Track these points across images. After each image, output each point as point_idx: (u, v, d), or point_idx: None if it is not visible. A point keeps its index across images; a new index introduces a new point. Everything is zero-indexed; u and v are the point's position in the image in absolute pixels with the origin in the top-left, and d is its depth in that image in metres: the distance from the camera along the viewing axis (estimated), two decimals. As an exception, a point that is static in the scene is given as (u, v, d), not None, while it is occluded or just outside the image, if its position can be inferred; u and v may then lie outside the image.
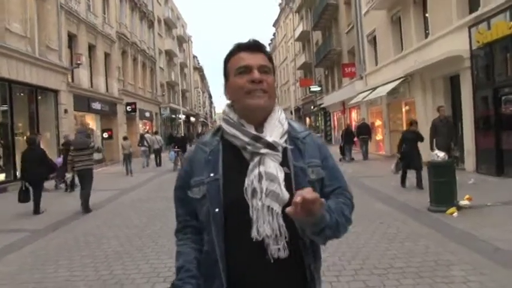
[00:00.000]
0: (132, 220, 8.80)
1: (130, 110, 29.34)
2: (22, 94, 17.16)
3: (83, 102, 22.05)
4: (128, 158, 18.79)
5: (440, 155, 8.19)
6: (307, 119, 50.22)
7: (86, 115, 23.70)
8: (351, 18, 27.22)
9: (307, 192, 1.36)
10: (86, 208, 9.97)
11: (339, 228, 1.55)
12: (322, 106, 37.38)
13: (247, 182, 1.53)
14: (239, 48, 1.66)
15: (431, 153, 8.50)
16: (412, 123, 11.59)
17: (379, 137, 23.71)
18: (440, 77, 15.24)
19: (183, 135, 26.79)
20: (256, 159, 1.56)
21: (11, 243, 7.20)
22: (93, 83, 24.12)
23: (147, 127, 36.21)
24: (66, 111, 19.57)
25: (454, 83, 14.77)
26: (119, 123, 27.29)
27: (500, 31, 11.08)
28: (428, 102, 16.23)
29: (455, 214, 7.57)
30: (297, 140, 1.66)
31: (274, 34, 74.05)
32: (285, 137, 1.64)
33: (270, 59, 1.69)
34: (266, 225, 1.49)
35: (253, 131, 1.59)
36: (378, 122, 23.72)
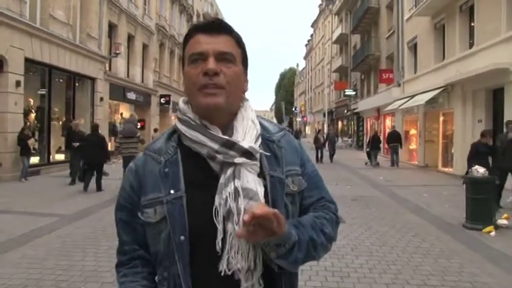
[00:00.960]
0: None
1: (164, 102, 29.56)
2: (61, 80, 17.50)
3: (118, 91, 22.33)
4: None
5: (481, 170, 7.86)
6: (340, 123, 49.71)
7: (120, 104, 24.03)
8: (391, 23, 26.70)
9: (257, 208, 1.09)
10: None
11: (315, 247, 1.27)
12: (355, 111, 36.88)
13: (217, 200, 1.19)
14: (196, 28, 1.30)
15: (472, 169, 8.17)
16: (485, 134, 10.25)
17: (412, 146, 23.20)
18: (483, 89, 14.73)
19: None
20: (230, 170, 1.22)
21: (39, 227, 7.28)
22: (130, 73, 24.40)
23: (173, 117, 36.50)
24: (102, 99, 19.85)
25: (496, 96, 14.26)
26: (152, 114, 27.55)
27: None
28: (467, 115, 15.73)
29: (492, 233, 7.24)
30: (271, 143, 1.34)
31: (311, 35, 73.67)
32: (259, 140, 1.30)
33: (239, 42, 1.32)
34: (239, 256, 1.18)
35: (221, 135, 1.25)
36: (413, 131, 23.20)
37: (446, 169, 17.80)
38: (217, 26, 1.29)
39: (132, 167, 1.35)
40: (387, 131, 25.59)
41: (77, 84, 18.33)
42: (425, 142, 20.71)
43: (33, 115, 15.57)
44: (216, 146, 1.23)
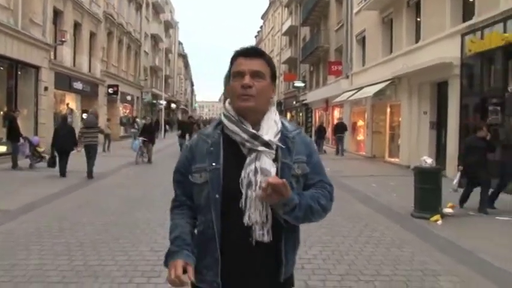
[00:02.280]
0: (109, 206, 8.52)
1: (112, 92, 28.70)
2: (1, 68, 16.57)
3: (64, 81, 21.44)
4: (107, 138, 21.12)
5: (428, 161, 8.11)
6: (288, 114, 50.15)
7: (66, 94, 23.12)
8: (341, 17, 27.09)
9: (272, 178, 1.64)
10: (90, 174, 12.20)
11: (312, 211, 1.78)
12: (304, 102, 37.29)
13: (243, 174, 1.74)
14: (238, 53, 1.86)
15: (420, 159, 8.41)
16: (482, 127, 8.93)
17: (360, 137, 23.75)
18: (428, 83, 15.24)
19: (150, 121, 20.67)
20: (253, 155, 1.76)
21: (-20, 223, 6.87)
22: (76, 62, 23.49)
23: (128, 111, 35.64)
24: (46, 88, 18.96)
25: (441, 89, 14.79)
26: (99, 104, 26.67)
27: (493, 42, 11.07)
28: (413, 107, 16.24)
29: (439, 222, 7.50)
30: (287, 138, 1.84)
31: (261, 27, 73.65)
32: (279, 135, 1.82)
33: (269, 64, 1.87)
34: (257, 212, 1.72)
35: (251, 129, 1.78)
36: (360, 123, 23.75)
37: (393, 159, 18.34)
38: (253, 52, 1.85)
39: (188, 145, 1.95)
40: (335, 122, 26.14)
41: (19, 72, 17.40)
42: (373, 133, 21.26)
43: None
44: (246, 137, 1.78)
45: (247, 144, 1.77)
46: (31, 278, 4.61)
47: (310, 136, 33.25)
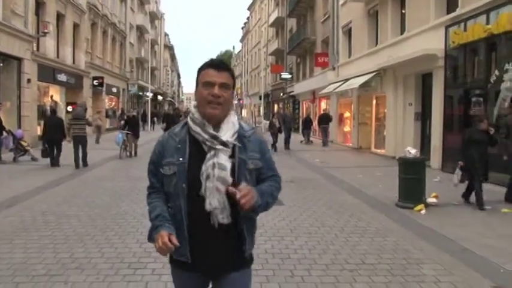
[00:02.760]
0: (95, 199, 8.48)
1: (97, 84, 28.37)
2: (-17, 60, 16.32)
3: (47, 73, 21.15)
4: (98, 129, 22.58)
5: (412, 151, 8.20)
6: (275, 106, 50.14)
7: (50, 86, 22.82)
8: (327, 8, 27.10)
9: (239, 192, 1.97)
10: (84, 163, 13.05)
11: (268, 206, 2.18)
12: (291, 94, 37.32)
13: (203, 168, 2.05)
14: (209, 65, 2.15)
15: (404, 150, 8.50)
16: (483, 120, 8.36)
17: (347, 128, 23.87)
18: (413, 74, 15.36)
19: (134, 114, 19.41)
20: (212, 152, 2.07)
21: (-37, 217, 6.79)
22: (60, 53, 23.17)
23: (113, 103, 35.33)
24: (29, 80, 18.70)
25: (425, 81, 14.92)
26: (84, 96, 26.36)
27: (476, 33, 11.19)
28: (398, 98, 16.37)
29: (423, 211, 7.61)
30: (244, 137, 2.16)
31: (248, 18, 73.37)
32: (236, 135, 2.13)
33: (233, 76, 2.19)
34: (215, 200, 2.03)
35: (211, 131, 2.08)
36: (347, 114, 23.86)
37: (379, 150, 18.49)
38: (223, 66, 2.16)
39: (160, 140, 2.23)
40: (322, 112, 26.39)
41: (1, 64, 17.15)
42: (359, 124, 21.38)
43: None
44: (207, 137, 2.09)
45: (208, 143, 2.08)
46: (15, 271, 4.58)
47: (298, 128, 33.42)
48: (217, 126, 2.11)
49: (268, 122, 40.38)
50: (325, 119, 23.47)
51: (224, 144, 2.07)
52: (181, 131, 2.18)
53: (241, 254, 2.17)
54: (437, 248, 5.65)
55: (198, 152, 2.09)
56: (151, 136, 24.81)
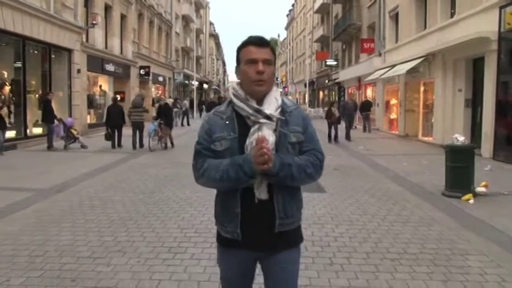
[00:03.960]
0: (139, 185, 8.67)
1: (144, 73, 29.01)
2: (36, 52, 16.92)
3: (96, 63, 21.80)
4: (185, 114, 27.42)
5: (460, 139, 7.88)
6: (321, 93, 49.62)
7: (99, 76, 23.50)
8: (373, -7, 26.41)
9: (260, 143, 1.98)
10: (141, 145, 15.03)
11: (294, 178, 2.09)
12: (337, 81, 36.78)
13: (247, 141, 2.07)
14: (249, 42, 2.14)
15: (452, 137, 8.18)
16: None
17: (393, 116, 23.31)
18: (463, 59, 14.74)
19: (167, 102, 17.44)
20: (256, 126, 2.08)
21: (15, 202, 7.09)
22: (108, 44, 23.78)
23: (160, 91, 35.98)
24: (79, 71, 19.33)
25: (476, 65, 14.29)
26: (131, 86, 27.05)
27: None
28: (448, 84, 15.78)
29: (471, 201, 7.32)
30: (285, 113, 2.16)
31: (293, 5, 72.71)
32: (279, 110, 2.14)
33: (273, 51, 2.19)
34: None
35: (255, 105, 2.10)
36: (394, 101, 23.27)
37: (426, 138, 17.96)
38: (263, 42, 2.15)
39: (206, 119, 2.25)
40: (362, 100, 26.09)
41: (53, 56, 17.75)
42: (406, 112, 20.83)
43: (7, 88, 15.12)
44: (250, 111, 2.10)
45: (252, 117, 2.09)
46: (62, 252, 4.75)
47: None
48: (260, 101, 2.13)
49: (317, 109, 40.36)
50: (366, 106, 23.78)
51: (268, 117, 2.08)
52: (227, 108, 2.20)
53: (287, 233, 2.17)
54: (485, 238, 5.42)
55: (243, 127, 2.11)
56: (198, 124, 25.12)
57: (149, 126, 15.40)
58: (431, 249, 4.98)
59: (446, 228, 5.84)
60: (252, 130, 2.08)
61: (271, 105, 2.12)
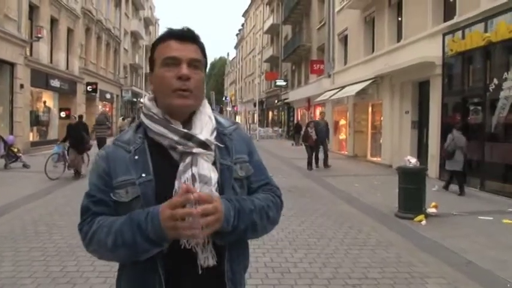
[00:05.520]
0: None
1: (91, 90, 28.21)
2: (-26, 64, 16.08)
3: (40, 78, 20.96)
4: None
5: (412, 161, 8.06)
6: (270, 113, 50.07)
7: (43, 92, 22.59)
8: (323, 15, 27.10)
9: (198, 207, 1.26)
10: None
11: (255, 230, 1.47)
12: (286, 101, 37.26)
13: (177, 185, 1.37)
14: (170, 35, 1.46)
15: (404, 159, 8.35)
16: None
17: (342, 136, 23.78)
18: (410, 82, 15.27)
19: (77, 121, 13.71)
20: (188, 159, 1.40)
21: (-50, 227, 6.56)
22: (53, 58, 22.97)
23: (107, 109, 35.10)
24: (22, 86, 18.48)
25: (422, 88, 14.84)
26: (77, 102, 26.18)
27: (474, 41, 11.11)
28: (395, 106, 16.27)
29: (423, 222, 7.46)
30: (224, 136, 1.53)
31: (243, 24, 73.49)
32: (215, 133, 1.49)
33: (203, 51, 1.51)
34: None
35: (181, 128, 1.43)
36: (342, 122, 23.76)
37: (375, 159, 18.38)
38: (189, 35, 1.46)
39: (103, 154, 1.50)
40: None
41: (-7, 69, 16.95)
42: (355, 132, 21.28)
43: None
44: (176, 138, 1.41)
45: (179, 147, 1.41)
46: (3, 286, 4.38)
47: (292, 136, 33.31)
48: (187, 122, 1.47)
49: (266, 129, 40.65)
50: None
51: (204, 145, 1.42)
52: (135, 136, 1.49)
53: None
54: (441, 260, 5.50)
55: (165, 162, 1.43)
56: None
57: (54, 149, 13.03)
58: (390, 273, 4.98)
59: (403, 251, 5.89)
60: (182, 166, 1.40)
61: (205, 127, 1.47)
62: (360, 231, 6.94)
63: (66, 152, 12.60)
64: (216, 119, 1.54)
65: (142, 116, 1.50)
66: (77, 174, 12.40)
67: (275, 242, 6.18)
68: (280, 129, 41.69)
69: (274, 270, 5.03)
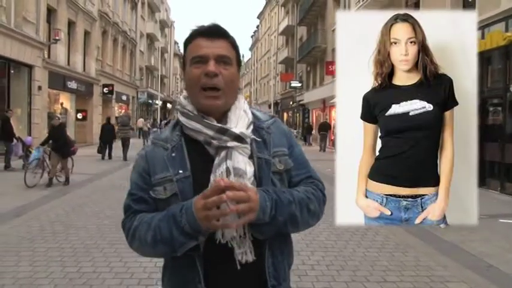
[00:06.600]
0: (103, 209, 8.29)
1: (107, 91, 28.49)
2: (-6, 67, 16.32)
3: (58, 80, 21.21)
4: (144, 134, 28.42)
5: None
6: (285, 114, 49.99)
7: (60, 93, 22.86)
8: (338, 16, 26.94)
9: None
10: (125, 158, 17.22)
11: (294, 223, 1.44)
12: (301, 102, 37.15)
13: (212, 179, 1.38)
14: (198, 32, 1.46)
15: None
16: None
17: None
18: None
19: (61, 122, 12.63)
20: (223, 153, 1.40)
21: (-31, 227, 6.63)
22: (70, 61, 23.25)
23: (123, 110, 35.38)
24: (40, 88, 18.73)
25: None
26: (94, 104, 26.45)
27: (494, 41, 10.92)
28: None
29: (442, 225, 7.31)
30: (261, 130, 1.51)
31: (257, 26, 73.57)
32: (251, 127, 1.48)
33: (235, 46, 1.50)
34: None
35: (216, 123, 1.43)
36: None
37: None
38: (216, 31, 1.45)
39: (143, 154, 1.52)
40: (332, 122, 26.39)
41: (12, 71, 17.16)
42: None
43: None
44: (211, 133, 1.41)
45: (214, 141, 1.40)
46: (21, 286, 4.39)
47: (305, 137, 33.20)
48: (222, 117, 1.46)
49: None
50: (324, 127, 26.04)
51: (238, 138, 1.41)
52: (172, 133, 1.50)
53: None
54: (461, 264, 5.39)
55: (201, 158, 1.43)
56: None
57: (32, 154, 11.70)
58: (410, 277, 4.89)
59: (422, 254, 5.79)
60: (217, 160, 1.40)
61: (240, 121, 1.46)
62: (377, 233, 6.85)
63: (47, 157, 11.27)
64: (253, 114, 1.53)
65: (178, 114, 1.50)
66: (67, 181, 11.30)
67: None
68: (295, 131, 41.61)
69: (292, 272, 4.97)
